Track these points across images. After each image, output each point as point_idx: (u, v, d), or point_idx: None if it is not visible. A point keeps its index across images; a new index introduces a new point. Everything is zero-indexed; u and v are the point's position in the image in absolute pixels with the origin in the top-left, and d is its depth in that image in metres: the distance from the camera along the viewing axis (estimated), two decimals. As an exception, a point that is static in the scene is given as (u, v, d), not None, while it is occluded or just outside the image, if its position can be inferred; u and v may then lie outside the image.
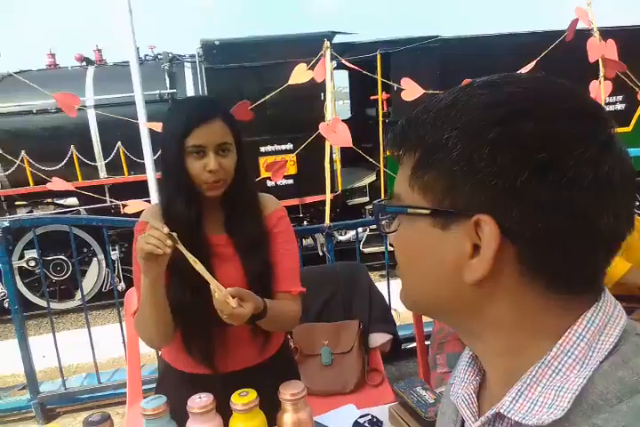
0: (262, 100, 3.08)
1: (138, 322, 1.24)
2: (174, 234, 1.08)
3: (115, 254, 4.99)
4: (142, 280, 1.13)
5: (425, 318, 2.12)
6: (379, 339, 2.13)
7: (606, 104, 3.20)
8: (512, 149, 0.41)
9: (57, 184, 3.06)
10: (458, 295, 0.47)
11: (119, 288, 4.91)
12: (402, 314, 2.63)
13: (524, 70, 3.05)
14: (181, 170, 1.19)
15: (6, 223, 2.49)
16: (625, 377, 0.41)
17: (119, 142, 4.95)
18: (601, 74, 2.94)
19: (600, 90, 2.93)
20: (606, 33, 3.00)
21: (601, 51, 2.91)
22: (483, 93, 0.44)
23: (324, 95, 3.61)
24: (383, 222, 0.53)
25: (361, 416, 1.22)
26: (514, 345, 0.46)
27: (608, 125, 0.43)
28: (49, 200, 5.42)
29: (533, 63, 3.03)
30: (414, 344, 2.22)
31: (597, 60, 2.93)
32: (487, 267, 0.43)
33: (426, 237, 0.47)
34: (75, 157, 5.00)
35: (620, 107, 5.74)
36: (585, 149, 0.41)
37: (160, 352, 1.48)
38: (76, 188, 3.33)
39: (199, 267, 1.08)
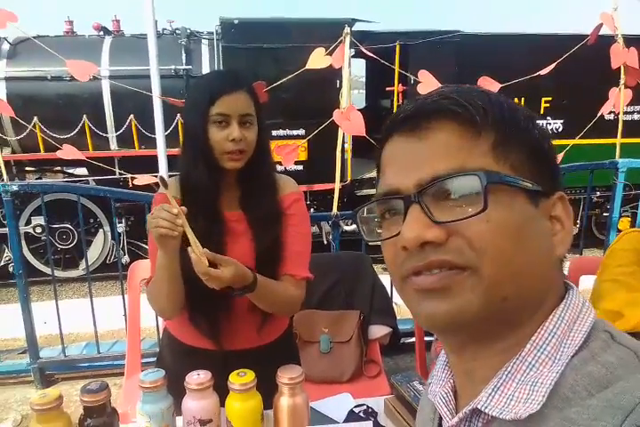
0: (278, 83, 3.07)
1: (151, 292, 1.26)
2: (183, 209, 1.09)
3: (121, 227, 4.99)
4: (159, 254, 1.15)
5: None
6: (378, 331, 2.14)
7: (625, 113, 3.18)
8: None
9: (67, 152, 3.04)
10: (551, 277, 0.49)
11: (123, 261, 4.94)
12: (402, 308, 2.65)
13: (543, 72, 3.03)
14: (204, 139, 1.19)
15: (15, 187, 2.50)
16: (593, 371, 0.43)
17: (132, 115, 4.94)
18: (621, 81, 2.92)
19: (619, 97, 2.91)
20: (629, 41, 2.97)
21: (623, 58, 2.88)
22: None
23: (340, 82, 3.59)
24: (457, 203, 0.46)
25: (356, 406, 1.23)
26: (522, 340, 0.47)
27: None
28: (58, 168, 5.44)
29: (553, 65, 3.01)
30: (413, 339, 2.22)
31: (619, 67, 2.91)
32: (571, 238, 0.48)
33: (527, 214, 0.46)
34: (86, 127, 5.00)
35: (637, 117, 5.69)
36: None
37: (164, 324, 1.49)
38: (86, 158, 3.33)
39: (182, 220, 1.08)
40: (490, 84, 2.74)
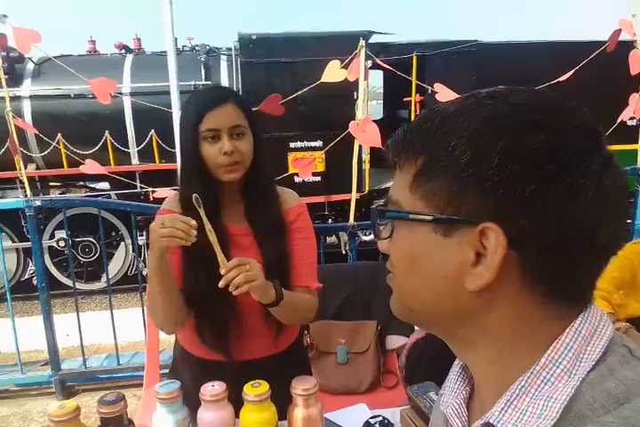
0: (294, 95, 3.10)
1: (148, 306, 1.28)
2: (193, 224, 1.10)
3: (142, 240, 5.03)
4: (151, 261, 1.15)
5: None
6: (396, 341, 2.11)
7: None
8: (522, 158, 0.41)
9: (90, 167, 3.12)
10: (456, 303, 0.47)
11: (144, 273, 4.99)
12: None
13: (561, 79, 3.01)
14: (197, 156, 1.21)
15: (38, 202, 2.58)
16: (611, 388, 0.41)
17: (152, 130, 5.03)
18: (641, 87, 2.88)
19: (639, 104, 2.87)
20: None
21: (643, 63, 2.85)
22: (491, 103, 0.45)
23: (358, 94, 3.61)
24: (381, 228, 0.53)
25: (372, 417, 1.22)
26: (507, 354, 0.47)
27: (606, 142, 0.45)
28: (81, 183, 5.55)
29: (572, 72, 2.99)
30: (430, 349, 2.20)
31: (639, 73, 2.87)
32: (492, 275, 0.43)
33: (427, 243, 0.47)
34: (109, 143, 5.09)
35: (658, 123, 5.58)
36: (590, 162, 0.42)
37: (176, 337, 1.51)
38: (108, 172, 3.40)
39: (213, 238, 1.11)
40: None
